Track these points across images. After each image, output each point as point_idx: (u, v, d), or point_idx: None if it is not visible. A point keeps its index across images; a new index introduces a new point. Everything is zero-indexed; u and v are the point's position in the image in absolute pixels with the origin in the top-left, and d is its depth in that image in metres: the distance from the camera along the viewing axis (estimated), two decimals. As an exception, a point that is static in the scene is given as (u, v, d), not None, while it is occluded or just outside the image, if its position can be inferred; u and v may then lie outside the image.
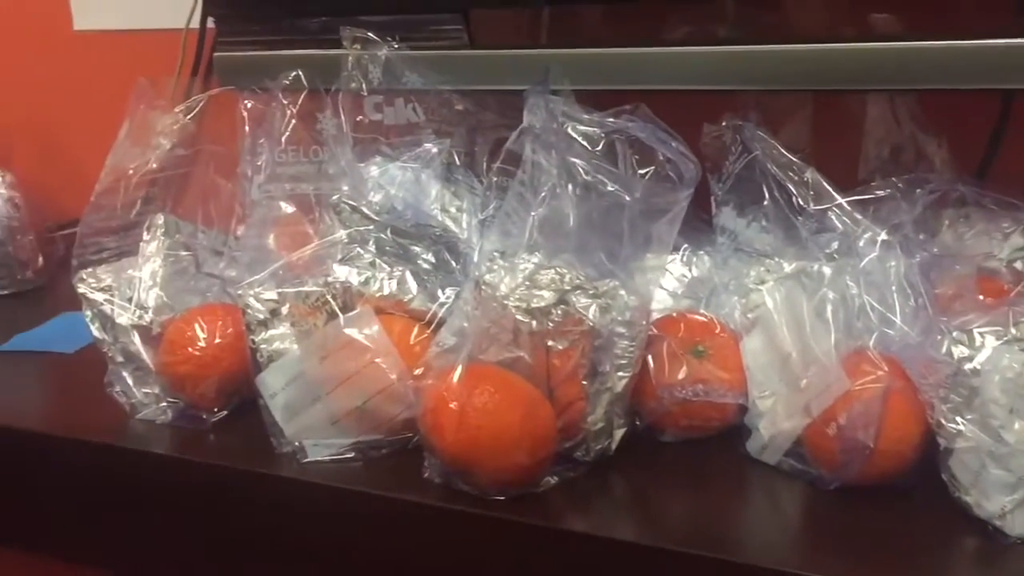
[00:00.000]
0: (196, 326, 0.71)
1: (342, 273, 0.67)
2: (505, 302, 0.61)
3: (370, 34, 0.77)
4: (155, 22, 1.11)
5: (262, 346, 0.66)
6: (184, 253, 0.76)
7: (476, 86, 0.79)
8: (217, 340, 0.70)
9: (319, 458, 0.65)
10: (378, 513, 0.63)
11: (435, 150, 0.79)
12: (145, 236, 0.76)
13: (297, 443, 0.66)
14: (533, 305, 0.61)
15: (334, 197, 0.72)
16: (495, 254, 0.65)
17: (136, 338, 0.73)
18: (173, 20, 1.07)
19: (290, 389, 0.66)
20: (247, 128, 0.78)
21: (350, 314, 0.66)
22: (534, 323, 0.61)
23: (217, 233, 0.79)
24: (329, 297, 0.66)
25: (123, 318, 0.73)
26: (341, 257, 0.68)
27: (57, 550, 0.80)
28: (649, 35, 0.77)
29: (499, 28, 0.81)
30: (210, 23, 1.02)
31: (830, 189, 0.66)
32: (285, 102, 0.70)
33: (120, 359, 0.73)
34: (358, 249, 0.69)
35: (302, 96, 0.70)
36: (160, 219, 0.77)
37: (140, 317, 0.73)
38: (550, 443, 0.60)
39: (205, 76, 1.09)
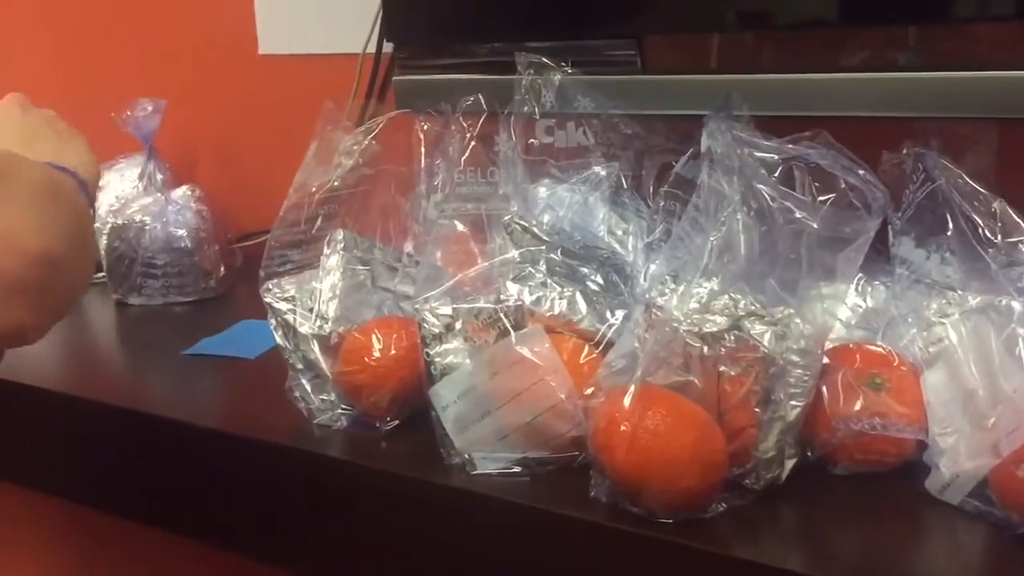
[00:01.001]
0: (373, 337, 0.74)
1: (514, 291, 0.69)
2: (676, 326, 0.61)
3: (544, 59, 0.79)
4: (333, 47, 1.17)
5: (436, 359, 0.69)
6: (361, 268, 0.80)
7: (647, 111, 0.80)
8: (392, 352, 0.73)
9: (487, 471, 0.67)
10: (544, 528, 0.64)
11: (603, 173, 0.81)
12: (326, 250, 0.80)
13: (466, 455, 0.68)
14: (705, 330, 0.61)
15: (506, 217, 0.75)
16: (667, 277, 0.65)
17: (315, 347, 0.77)
18: (351, 45, 1.12)
19: (461, 402, 0.68)
20: (423, 149, 0.81)
21: (522, 332, 0.67)
22: (706, 348, 0.61)
23: (392, 249, 0.82)
24: (501, 315, 0.68)
25: (304, 327, 0.77)
26: (513, 276, 0.70)
27: (232, 545, 0.85)
28: (826, 61, 0.76)
29: (671, 54, 0.82)
30: (385, 48, 1.07)
31: (1020, 221, 0.64)
32: (465, 124, 0.73)
33: (300, 366, 0.77)
34: (529, 268, 0.71)
35: (481, 119, 0.73)
36: (340, 234, 0.80)
37: (320, 327, 0.77)
38: (720, 468, 0.59)
39: (379, 98, 1.14)
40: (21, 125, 0.70)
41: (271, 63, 1.24)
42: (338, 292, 0.78)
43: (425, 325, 0.69)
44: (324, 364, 0.76)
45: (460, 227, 0.76)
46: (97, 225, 1.17)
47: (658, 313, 0.63)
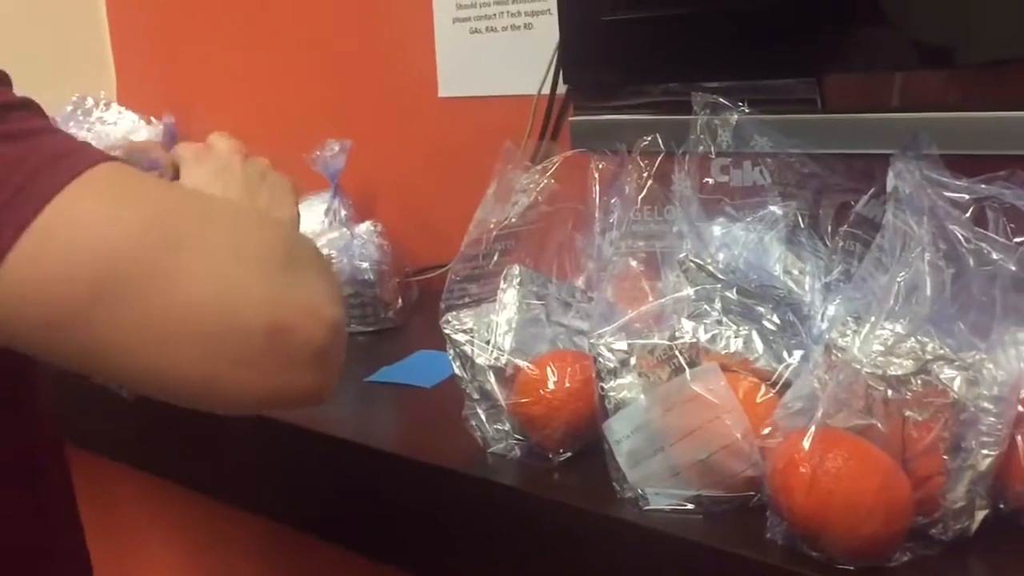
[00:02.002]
0: (547, 370, 0.76)
1: (689, 329, 0.70)
2: (858, 368, 0.60)
3: (720, 99, 0.80)
4: (509, 89, 1.21)
5: (610, 393, 0.70)
6: (536, 302, 0.82)
7: (826, 150, 0.79)
8: (566, 385, 0.75)
9: (660, 507, 0.67)
10: (717, 568, 0.64)
11: (780, 212, 0.80)
12: (503, 285, 0.83)
13: (639, 490, 0.68)
14: (890, 373, 0.60)
15: (681, 255, 0.75)
16: (848, 319, 0.64)
17: (491, 377, 0.79)
18: (525, 87, 1.16)
19: (635, 437, 0.68)
20: (598, 187, 0.83)
21: (697, 369, 0.68)
22: (890, 391, 0.60)
23: (566, 284, 0.84)
24: (676, 351, 0.69)
25: (481, 359, 0.80)
26: (688, 313, 0.71)
27: (406, 566, 0.88)
28: (1016, 97, 0.74)
29: (852, 92, 0.81)
30: (559, 88, 1.10)
31: None
32: (642, 164, 0.74)
33: (476, 396, 0.80)
34: (705, 306, 0.71)
35: (659, 158, 0.74)
36: (516, 269, 0.83)
37: (496, 359, 0.79)
38: (905, 516, 0.58)
39: (553, 138, 1.17)
40: (245, 176, 0.75)
41: (449, 105, 1.30)
42: (514, 325, 0.80)
43: (600, 359, 0.70)
44: (500, 395, 0.79)
45: (633, 264, 0.78)
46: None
47: (839, 354, 0.62)
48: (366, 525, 0.88)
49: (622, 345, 0.70)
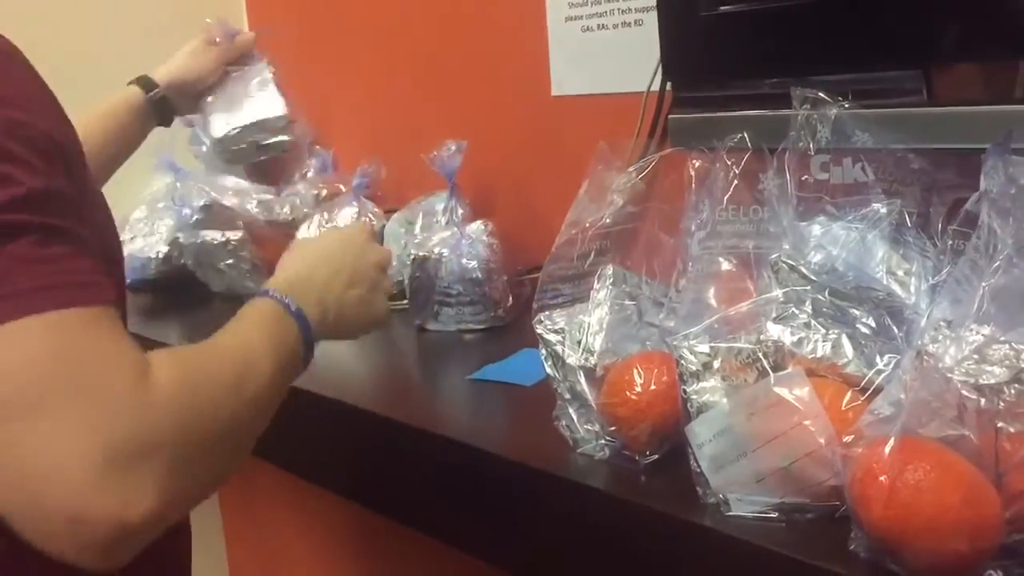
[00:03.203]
0: (635, 372, 0.75)
1: (775, 332, 0.68)
2: (949, 375, 0.57)
3: (820, 94, 0.77)
4: (621, 87, 1.20)
5: (693, 396, 0.69)
6: (628, 302, 0.82)
7: (933, 145, 0.75)
8: (652, 387, 0.74)
9: (742, 513, 0.66)
10: (796, 578, 0.62)
11: (883, 210, 0.77)
12: (596, 285, 0.83)
13: (721, 495, 0.67)
14: (982, 381, 0.57)
15: (773, 256, 0.73)
16: (941, 323, 0.61)
17: (582, 378, 0.79)
18: (636, 84, 1.15)
19: (717, 441, 0.67)
20: (693, 186, 0.82)
21: (781, 373, 0.66)
22: (982, 400, 0.57)
23: (659, 285, 0.83)
24: (761, 355, 0.67)
25: (572, 359, 0.80)
26: (775, 316, 0.69)
27: (494, 559, 0.90)
28: None
29: (961, 83, 0.76)
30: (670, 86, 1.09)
31: None
32: (729, 162, 0.73)
33: (567, 396, 0.81)
34: (793, 309, 0.69)
35: (746, 156, 0.72)
36: (610, 270, 0.83)
37: (586, 359, 0.79)
38: (994, 534, 0.54)
39: (661, 136, 1.16)
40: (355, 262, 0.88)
41: (562, 104, 1.30)
42: (605, 326, 0.80)
43: (683, 362, 0.69)
44: (589, 395, 0.79)
45: (726, 264, 0.76)
46: (402, 254, 1.29)
47: (929, 360, 0.59)
48: (457, 517, 0.89)
49: (704, 348, 0.69)
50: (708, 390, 0.68)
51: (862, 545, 0.59)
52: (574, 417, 0.80)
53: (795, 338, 0.67)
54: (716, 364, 0.68)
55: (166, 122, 1.34)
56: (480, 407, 0.96)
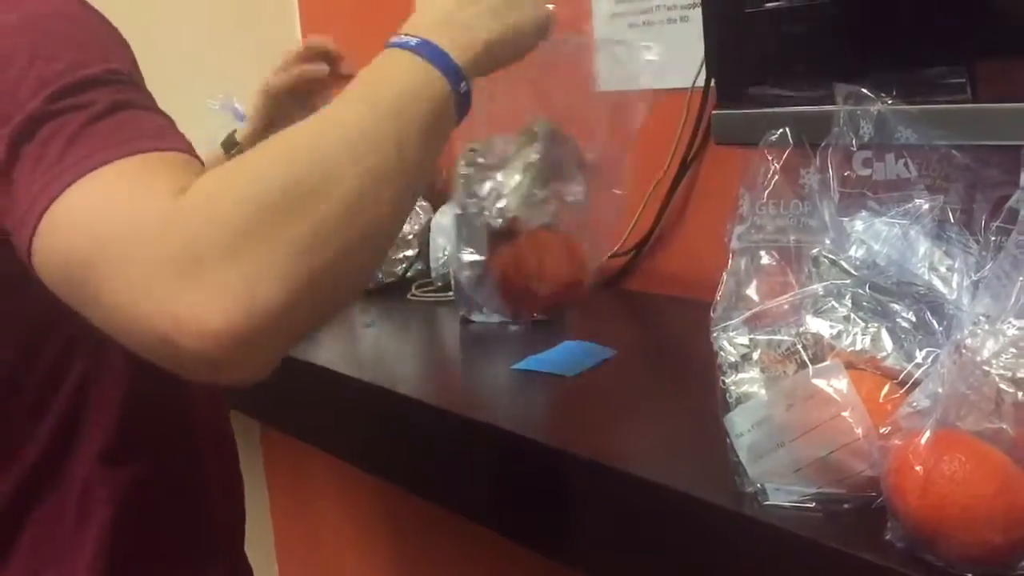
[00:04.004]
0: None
1: (814, 325, 0.69)
2: (987, 368, 0.58)
3: (863, 90, 0.78)
4: (665, 83, 1.21)
5: (732, 387, 0.70)
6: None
7: (977, 141, 0.76)
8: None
9: (780, 503, 0.67)
10: (832, 568, 0.63)
11: (926, 206, 0.77)
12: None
13: (759, 485, 0.68)
14: (1020, 375, 0.57)
15: (815, 250, 0.74)
16: (980, 317, 0.62)
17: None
18: (681, 81, 1.16)
19: (755, 432, 0.68)
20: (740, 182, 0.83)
21: (819, 365, 0.67)
22: (1020, 394, 0.57)
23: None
24: (800, 347, 0.68)
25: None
26: (815, 309, 0.70)
27: (523, 540, 0.91)
28: None
29: (1007, 80, 0.76)
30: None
31: None
32: (769, 157, 0.74)
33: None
34: (833, 303, 0.70)
35: (786, 152, 0.73)
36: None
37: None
38: (1028, 525, 0.55)
39: (705, 133, 1.17)
40: None
41: (604, 99, 1.31)
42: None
43: (722, 353, 0.71)
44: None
45: (766, 258, 0.77)
46: (448, 247, 1.31)
47: (967, 353, 0.60)
48: (499, 501, 0.92)
49: (744, 340, 0.70)
50: (747, 381, 0.70)
51: (898, 535, 0.60)
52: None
53: (834, 331, 0.68)
54: (755, 356, 0.70)
55: None
56: (524, 396, 0.98)
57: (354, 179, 0.56)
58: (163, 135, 0.60)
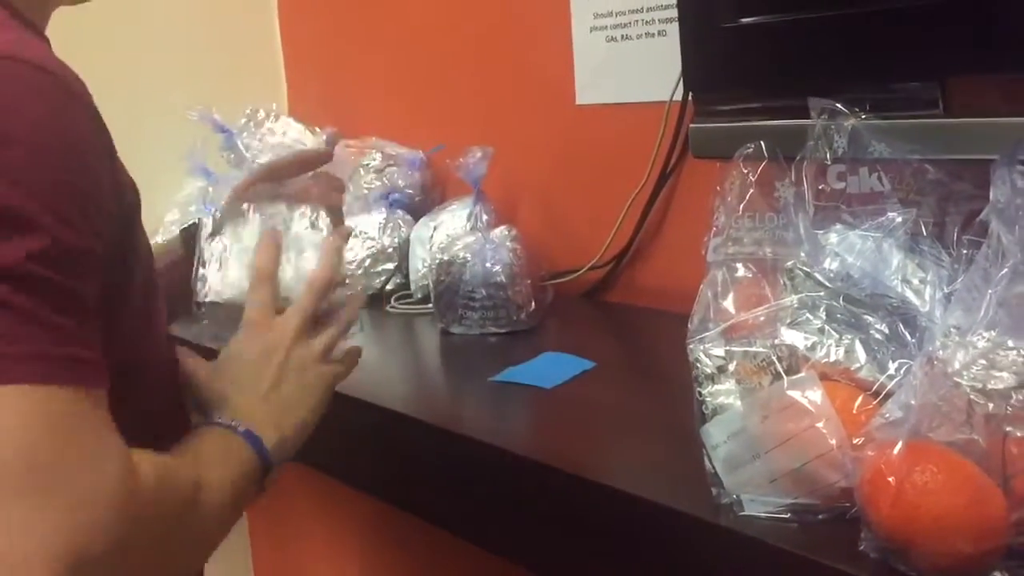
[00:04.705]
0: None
1: (789, 337, 0.69)
2: (958, 380, 0.59)
3: (838, 105, 0.79)
4: (643, 96, 1.22)
5: (707, 399, 0.71)
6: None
7: (949, 155, 0.77)
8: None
9: (755, 513, 0.68)
10: (806, 577, 0.63)
11: (899, 219, 0.78)
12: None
13: (735, 496, 0.69)
14: (990, 386, 0.58)
15: (789, 263, 0.75)
16: (952, 329, 0.62)
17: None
18: (659, 94, 1.17)
19: (731, 443, 0.69)
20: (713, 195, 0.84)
21: (794, 377, 0.68)
22: (991, 405, 0.58)
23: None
24: (775, 359, 0.69)
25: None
26: (790, 321, 0.70)
27: (508, 553, 0.92)
28: None
29: (978, 95, 0.77)
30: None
31: None
32: (746, 171, 0.74)
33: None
34: (807, 315, 0.70)
35: (762, 165, 0.74)
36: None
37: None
38: (998, 535, 0.56)
39: (683, 146, 1.18)
40: (282, 366, 0.80)
41: (587, 112, 1.32)
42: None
43: (698, 365, 0.71)
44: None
45: (742, 270, 0.78)
46: (427, 259, 1.32)
47: (938, 365, 0.60)
48: (475, 515, 0.92)
49: (720, 351, 0.71)
50: (723, 392, 0.70)
51: (871, 545, 0.60)
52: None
53: (808, 343, 0.69)
54: (731, 367, 0.70)
55: None
56: (500, 408, 0.98)
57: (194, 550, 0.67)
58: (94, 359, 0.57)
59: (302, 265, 0.99)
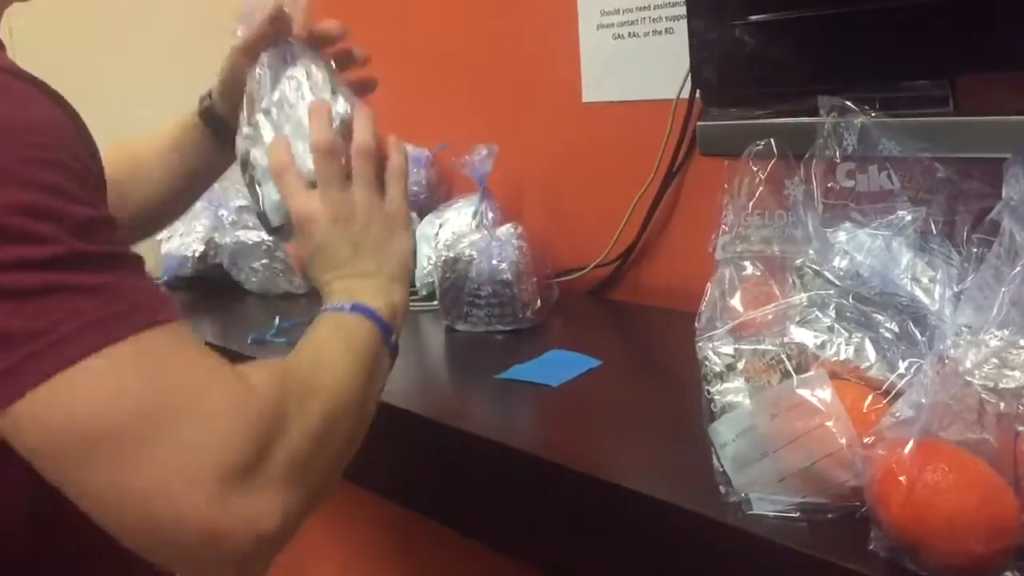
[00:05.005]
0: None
1: (799, 335, 0.69)
2: (969, 379, 0.59)
3: (848, 103, 0.78)
4: (650, 93, 1.22)
5: (716, 397, 0.70)
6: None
7: (959, 154, 0.77)
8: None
9: (764, 512, 0.67)
10: (816, 576, 0.63)
11: (909, 218, 0.78)
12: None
13: (744, 494, 0.68)
14: (1002, 386, 0.58)
15: (798, 261, 0.75)
16: (963, 328, 0.62)
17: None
18: (666, 92, 1.17)
19: (740, 441, 0.69)
20: (722, 192, 0.83)
21: (803, 375, 0.67)
22: (1002, 404, 0.58)
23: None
24: (784, 357, 0.69)
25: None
26: (799, 319, 0.70)
27: (515, 552, 0.91)
28: None
29: (988, 93, 0.77)
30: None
31: None
32: (755, 168, 0.74)
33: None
34: (817, 313, 0.70)
35: (771, 162, 0.74)
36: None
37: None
38: (1011, 534, 0.55)
39: (690, 144, 1.17)
40: (371, 232, 0.79)
41: (593, 110, 1.32)
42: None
43: (707, 363, 0.71)
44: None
45: (751, 268, 0.77)
46: (433, 256, 1.32)
47: (950, 364, 0.60)
48: (482, 513, 0.91)
49: (729, 350, 0.70)
50: (732, 391, 0.70)
51: (881, 545, 0.60)
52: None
53: (818, 341, 0.69)
54: (740, 366, 0.70)
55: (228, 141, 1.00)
56: (506, 406, 0.98)
57: (353, 424, 0.69)
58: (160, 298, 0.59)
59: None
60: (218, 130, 0.98)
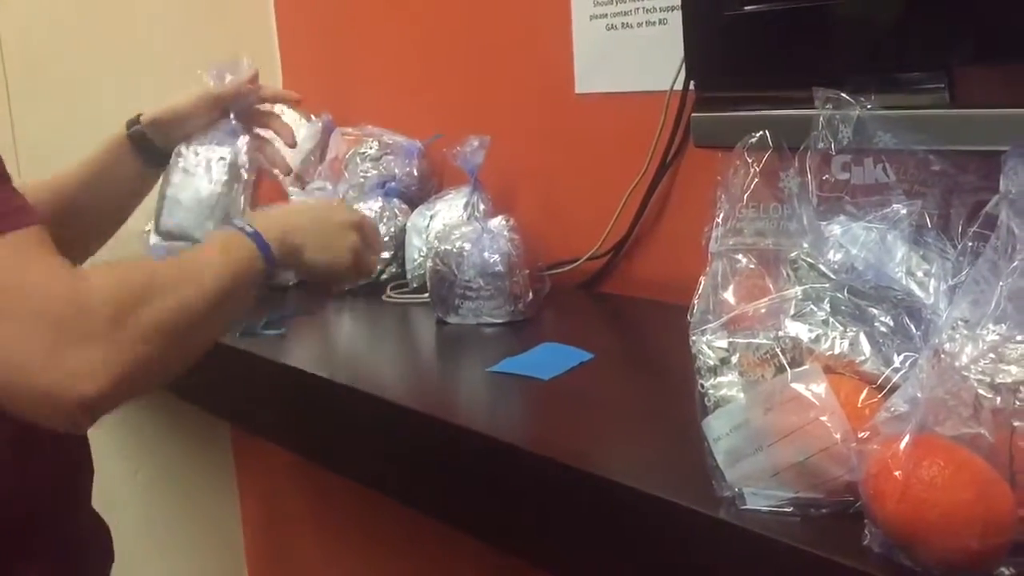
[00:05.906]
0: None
1: (793, 329, 0.69)
2: (965, 373, 0.58)
3: (843, 95, 0.78)
4: (644, 85, 1.21)
5: (709, 391, 0.70)
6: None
7: (955, 146, 0.76)
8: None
9: (757, 507, 0.67)
10: (809, 573, 0.62)
11: (904, 211, 0.77)
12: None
13: (737, 489, 0.68)
14: (998, 380, 0.57)
15: (793, 254, 0.74)
16: (959, 322, 0.62)
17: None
18: (659, 83, 1.16)
19: (733, 436, 0.68)
20: (716, 185, 0.83)
21: (798, 370, 0.67)
22: (998, 399, 0.57)
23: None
24: (778, 351, 0.68)
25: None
26: (794, 313, 0.70)
27: (504, 545, 0.91)
28: None
29: (984, 86, 0.76)
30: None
31: None
32: (749, 160, 0.73)
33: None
34: (811, 306, 0.69)
35: (765, 155, 0.73)
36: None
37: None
38: (1006, 530, 0.55)
39: (684, 136, 1.17)
40: (332, 223, 1.00)
41: (586, 101, 1.31)
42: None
43: (700, 357, 0.70)
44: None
45: (745, 261, 0.77)
46: (424, 248, 1.31)
47: (946, 358, 0.60)
48: (471, 505, 0.91)
49: (722, 343, 0.70)
50: (725, 385, 0.69)
51: (876, 540, 0.60)
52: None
53: (813, 335, 0.68)
54: (734, 359, 0.69)
55: (154, 163, 1.17)
56: (497, 399, 0.97)
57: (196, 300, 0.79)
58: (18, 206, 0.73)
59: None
60: (145, 151, 1.15)
